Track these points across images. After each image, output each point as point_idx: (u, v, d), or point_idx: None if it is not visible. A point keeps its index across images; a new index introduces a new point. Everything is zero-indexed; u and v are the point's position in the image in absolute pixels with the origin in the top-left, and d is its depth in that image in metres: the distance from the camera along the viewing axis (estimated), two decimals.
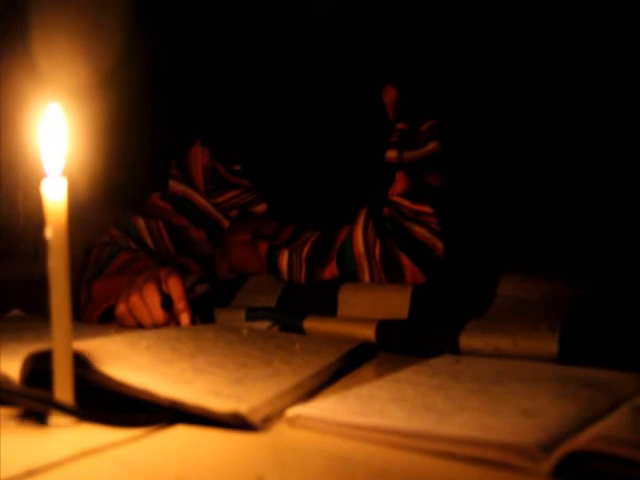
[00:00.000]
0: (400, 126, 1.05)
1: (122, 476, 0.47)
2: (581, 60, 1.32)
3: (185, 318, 0.93)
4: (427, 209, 1.01)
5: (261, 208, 1.16)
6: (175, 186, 1.21)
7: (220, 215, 1.20)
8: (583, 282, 0.92)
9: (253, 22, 1.10)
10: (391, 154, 1.05)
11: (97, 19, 1.54)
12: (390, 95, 1.07)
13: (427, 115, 1.05)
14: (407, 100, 1.06)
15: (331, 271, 1.03)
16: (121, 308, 0.97)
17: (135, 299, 0.95)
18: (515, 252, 1.08)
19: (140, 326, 0.96)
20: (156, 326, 0.94)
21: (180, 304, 0.94)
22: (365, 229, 1.02)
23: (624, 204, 1.28)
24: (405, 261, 0.99)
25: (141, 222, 1.19)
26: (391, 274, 1.00)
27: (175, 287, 0.95)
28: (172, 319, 0.95)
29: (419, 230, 1.00)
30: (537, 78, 1.34)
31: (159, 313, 0.94)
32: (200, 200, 1.20)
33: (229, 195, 1.18)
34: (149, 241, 1.19)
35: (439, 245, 0.99)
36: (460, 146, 1.07)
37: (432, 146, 1.04)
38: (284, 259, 1.06)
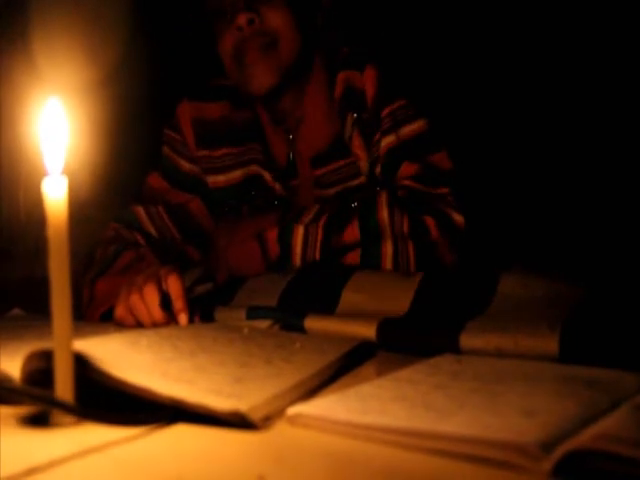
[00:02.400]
0: (387, 110, 1.07)
1: (123, 474, 0.47)
2: (582, 58, 1.32)
3: (183, 318, 0.93)
4: (443, 190, 1.02)
5: (236, 175, 1.20)
6: (167, 152, 1.25)
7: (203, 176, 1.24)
8: (584, 281, 0.92)
9: None
10: (390, 139, 1.07)
11: (97, 15, 1.54)
12: (371, 75, 1.09)
13: (400, 95, 1.08)
14: (387, 81, 1.09)
15: (352, 233, 1.02)
16: (120, 310, 0.97)
17: (135, 298, 0.95)
18: (516, 250, 1.08)
19: (140, 325, 0.96)
20: (155, 325, 0.94)
21: (178, 303, 0.94)
22: (391, 208, 1.01)
23: (624, 204, 1.28)
24: (430, 222, 0.99)
25: (141, 211, 1.20)
26: (416, 234, 0.99)
27: (174, 286, 0.95)
28: (171, 319, 0.95)
29: (438, 205, 1.00)
30: (537, 76, 1.34)
31: (158, 312, 0.94)
32: (185, 165, 1.24)
33: (223, 151, 1.22)
34: (152, 230, 1.20)
35: (458, 218, 1.00)
36: (461, 146, 1.07)
37: (421, 123, 1.06)
38: (299, 234, 1.05)
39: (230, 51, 1.12)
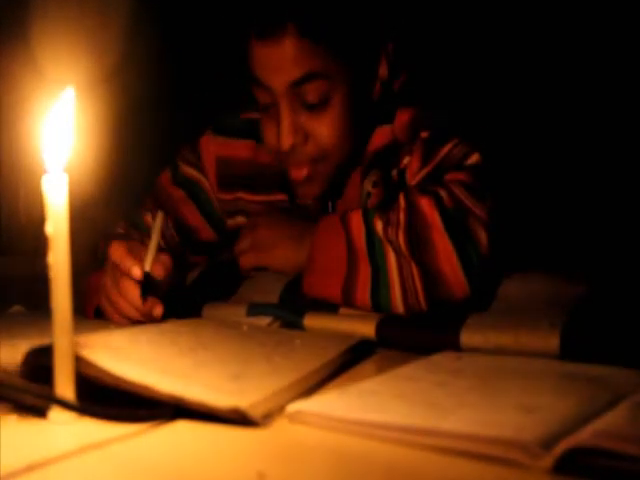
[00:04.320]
0: (424, 135, 0.98)
1: (122, 471, 0.47)
2: (581, 58, 1.32)
3: (158, 310, 0.91)
4: (461, 175, 0.92)
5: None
6: (187, 169, 1.18)
7: (221, 214, 1.18)
8: (584, 279, 0.92)
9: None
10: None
11: (100, 12, 1.54)
12: (405, 116, 1.01)
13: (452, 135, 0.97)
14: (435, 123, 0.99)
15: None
16: (105, 308, 0.96)
17: (116, 298, 0.93)
18: (516, 250, 1.07)
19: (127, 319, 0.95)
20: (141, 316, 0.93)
21: (125, 263, 0.91)
22: (385, 226, 0.90)
23: (625, 202, 1.28)
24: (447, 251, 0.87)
25: (150, 219, 1.19)
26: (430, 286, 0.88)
27: (115, 252, 0.92)
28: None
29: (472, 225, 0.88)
30: (536, 75, 1.34)
31: (140, 305, 0.92)
32: (210, 191, 1.18)
33: (234, 196, 1.16)
34: (160, 240, 1.19)
35: (483, 236, 0.88)
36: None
37: (476, 157, 0.95)
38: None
39: (271, 143, 1.02)
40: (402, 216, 0.89)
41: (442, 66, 1.18)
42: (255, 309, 0.96)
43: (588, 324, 0.78)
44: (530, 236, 1.17)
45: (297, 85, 0.96)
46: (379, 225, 0.91)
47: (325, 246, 0.95)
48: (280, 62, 0.95)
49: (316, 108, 0.97)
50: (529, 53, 1.35)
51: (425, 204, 0.88)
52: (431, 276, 0.87)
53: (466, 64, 1.32)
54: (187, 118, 1.56)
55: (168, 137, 1.61)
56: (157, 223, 0.96)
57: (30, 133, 0.58)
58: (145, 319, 0.94)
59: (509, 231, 0.94)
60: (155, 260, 0.93)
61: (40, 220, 0.55)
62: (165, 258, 0.95)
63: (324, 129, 0.98)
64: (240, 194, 1.16)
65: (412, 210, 0.89)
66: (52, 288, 0.54)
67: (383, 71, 1.03)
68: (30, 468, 0.47)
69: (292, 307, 0.95)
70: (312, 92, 0.96)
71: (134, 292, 0.92)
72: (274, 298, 1.00)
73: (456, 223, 0.87)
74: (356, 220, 0.93)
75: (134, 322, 0.94)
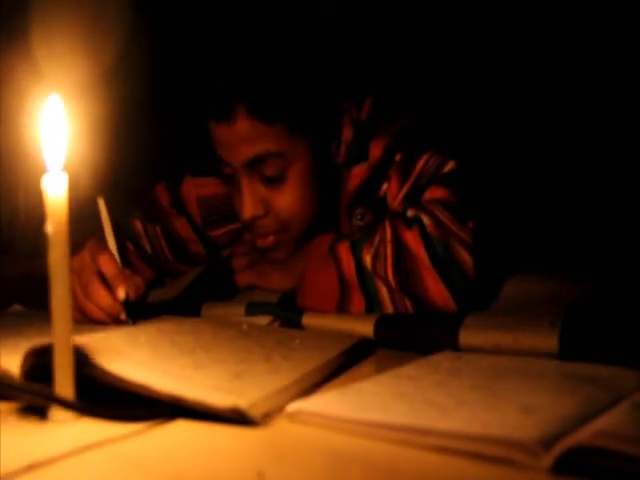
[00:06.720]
0: (398, 158, 1.00)
1: (122, 471, 0.47)
2: (580, 59, 1.32)
3: (121, 292, 0.90)
4: (441, 192, 0.93)
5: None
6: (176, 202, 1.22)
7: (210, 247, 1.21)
8: (584, 279, 0.92)
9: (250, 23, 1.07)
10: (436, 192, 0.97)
11: (98, 13, 1.54)
12: (378, 149, 1.02)
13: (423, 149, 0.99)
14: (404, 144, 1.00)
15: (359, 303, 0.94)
16: (76, 316, 0.93)
17: (83, 301, 0.92)
18: (514, 252, 1.07)
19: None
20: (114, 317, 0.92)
21: (115, 281, 0.91)
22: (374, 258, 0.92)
23: (624, 201, 1.28)
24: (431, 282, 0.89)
25: (139, 226, 1.19)
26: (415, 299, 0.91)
27: (107, 265, 0.92)
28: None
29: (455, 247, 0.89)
30: (534, 75, 1.34)
31: (115, 308, 0.91)
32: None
33: (224, 230, 1.19)
34: (147, 246, 1.19)
35: (467, 259, 0.89)
36: (461, 145, 1.05)
37: (451, 164, 0.97)
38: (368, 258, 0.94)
39: (237, 211, 1.04)
40: (389, 250, 0.91)
41: (413, 77, 1.19)
42: (253, 308, 0.96)
43: (587, 324, 0.78)
44: (529, 237, 1.17)
45: (253, 163, 0.98)
46: (368, 259, 0.92)
47: (316, 274, 0.96)
48: (235, 142, 0.97)
49: (274, 183, 1.00)
50: (516, 54, 1.35)
51: (410, 238, 0.90)
52: (423, 306, 0.90)
53: (444, 71, 1.32)
54: (185, 120, 1.56)
55: (165, 138, 1.61)
56: (104, 215, 0.97)
57: (29, 133, 0.57)
58: (111, 321, 0.93)
59: (499, 240, 0.95)
60: (129, 282, 0.92)
61: (40, 220, 0.55)
62: (138, 280, 0.95)
63: (283, 202, 1.00)
64: (227, 227, 1.19)
65: (398, 244, 0.91)
66: (52, 287, 0.54)
67: (347, 134, 1.04)
68: (30, 467, 0.47)
69: (291, 306, 0.96)
70: (269, 169, 0.98)
71: (104, 295, 0.91)
72: (274, 298, 1.00)
73: (441, 253, 0.89)
74: (345, 253, 0.94)
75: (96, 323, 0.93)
